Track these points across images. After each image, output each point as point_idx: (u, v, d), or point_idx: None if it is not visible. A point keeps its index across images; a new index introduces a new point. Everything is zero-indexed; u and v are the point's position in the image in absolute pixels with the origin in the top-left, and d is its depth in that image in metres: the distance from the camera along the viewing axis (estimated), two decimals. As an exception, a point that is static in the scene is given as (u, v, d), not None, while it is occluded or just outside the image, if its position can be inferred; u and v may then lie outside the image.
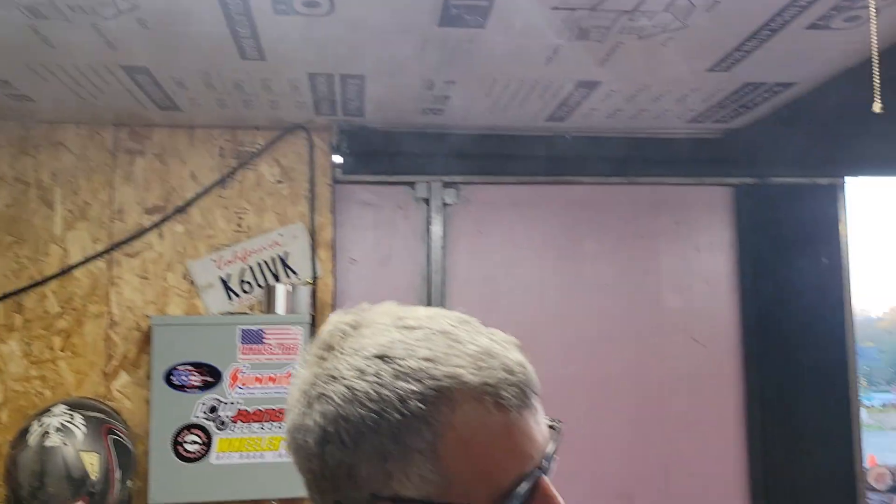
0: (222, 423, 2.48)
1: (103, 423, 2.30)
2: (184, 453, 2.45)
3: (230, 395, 2.48)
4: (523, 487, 0.70)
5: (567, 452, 2.72)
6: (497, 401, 0.68)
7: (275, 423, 2.49)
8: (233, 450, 2.48)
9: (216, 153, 2.68)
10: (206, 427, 2.46)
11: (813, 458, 2.92)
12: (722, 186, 3.02)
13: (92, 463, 2.20)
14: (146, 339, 2.57)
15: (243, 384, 2.49)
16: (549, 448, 0.75)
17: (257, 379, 2.50)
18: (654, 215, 2.99)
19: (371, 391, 0.67)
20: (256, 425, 2.49)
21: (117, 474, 2.26)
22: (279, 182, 2.71)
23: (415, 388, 0.67)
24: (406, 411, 0.66)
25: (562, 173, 2.92)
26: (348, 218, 2.86)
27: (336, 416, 0.68)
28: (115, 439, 2.29)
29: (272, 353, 2.51)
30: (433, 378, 0.67)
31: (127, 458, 2.32)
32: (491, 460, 0.68)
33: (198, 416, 2.47)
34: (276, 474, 2.48)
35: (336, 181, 2.80)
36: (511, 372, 0.70)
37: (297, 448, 0.72)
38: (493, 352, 0.71)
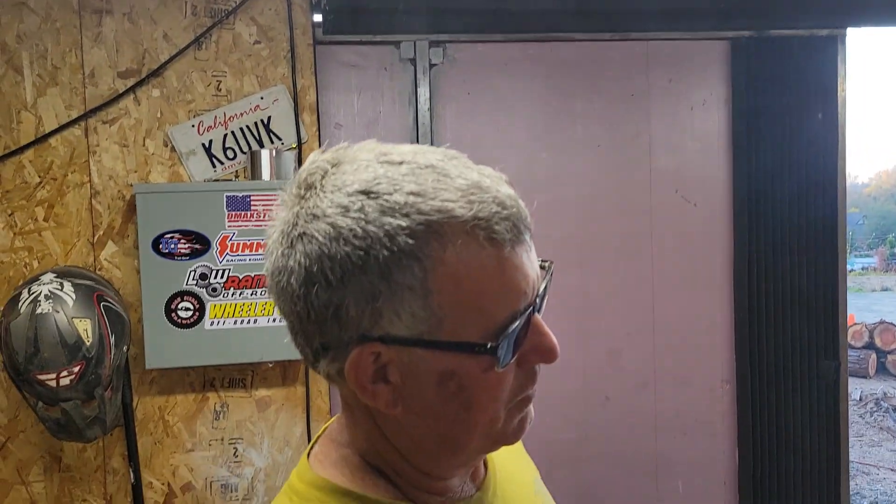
0: (214, 289, 2.48)
1: (93, 290, 2.29)
2: (177, 320, 2.47)
3: (220, 262, 2.47)
4: (517, 324, 0.68)
5: (558, 311, 2.78)
6: (489, 235, 0.66)
7: (266, 289, 2.50)
8: (226, 315, 2.50)
9: (188, 12, 2.55)
10: (198, 294, 2.47)
11: (798, 315, 2.97)
12: (717, 40, 2.91)
13: (85, 329, 2.21)
14: (131, 208, 2.53)
15: (233, 251, 2.48)
16: (541, 286, 0.73)
17: (246, 245, 2.48)
18: (647, 73, 2.90)
19: (356, 228, 0.64)
20: (248, 291, 2.49)
21: (112, 340, 2.28)
22: (257, 42, 2.59)
23: (402, 224, 0.64)
24: (394, 247, 0.64)
25: (552, 29, 2.80)
26: (332, 80, 2.76)
27: (320, 256, 0.66)
28: (106, 306, 2.29)
29: (260, 220, 2.48)
30: (421, 213, 0.65)
31: (120, 324, 2.34)
32: (483, 296, 0.66)
33: (188, 283, 2.47)
34: (269, 338, 2.51)
35: (317, 42, 2.68)
36: (503, 205, 0.68)
37: (280, 291, 0.70)
38: (484, 185, 0.68)
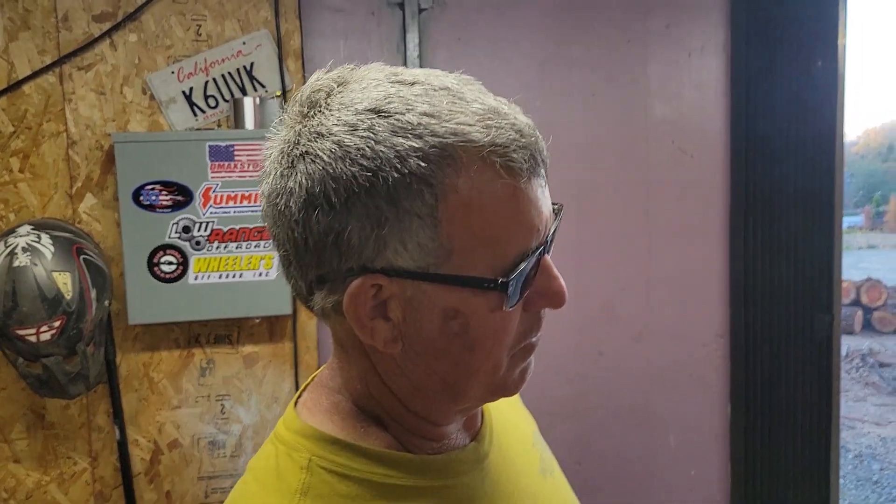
0: (197, 243, 2.40)
1: (72, 242, 2.21)
2: (160, 274, 2.40)
3: (203, 214, 2.39)
4: (529, 262, 0.64)
5: (555, 262, 2.67)
6: (507, 163, 0.62)
7: (252, 242, 2.43)
8: (210, 269, 2.43)
9: (166, -49, 2.42)
10: (181, 247, 2.39)
11: (794, 270, 2.94)
12: (717, -15, 2.82)
13: (65, 283, 2.14)
14: (109, 159, 2.44)
15: (216, 203, 2.39)
16: (552, 228, 0.69)
17: (230, 197, 2.40)
18: (645, 18, 2.81)
19: (365, 147, 0.60)
20: (233, 245, 2.42)
21: (92, 294, 2.21)
22: (239, -16, 2.47)
23: (415, 145, 0.60)
24: (405, 170, 0.60)
25: (546, -28, 2.70)
26: (317, 25, 2.65)
27: (324, 176, 0.61)
28: (86, 259, 2.21)
29: (244, 171, 2.40)
30: (435, 135, 0.60)
31: (101, 277, 2.26)
32: (496, 228, 0.62)
33: (171, 236, 2.39)
34: (255, 293, 2.44)
35: (302, -16, 2.57)
36: (521, 133, 0.64)
37: (277, 215, 0.65)
38: (502, 112, 0.64)
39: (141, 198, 2.36)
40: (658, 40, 2.81)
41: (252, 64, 2.50)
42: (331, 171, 0.61)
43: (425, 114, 0.61)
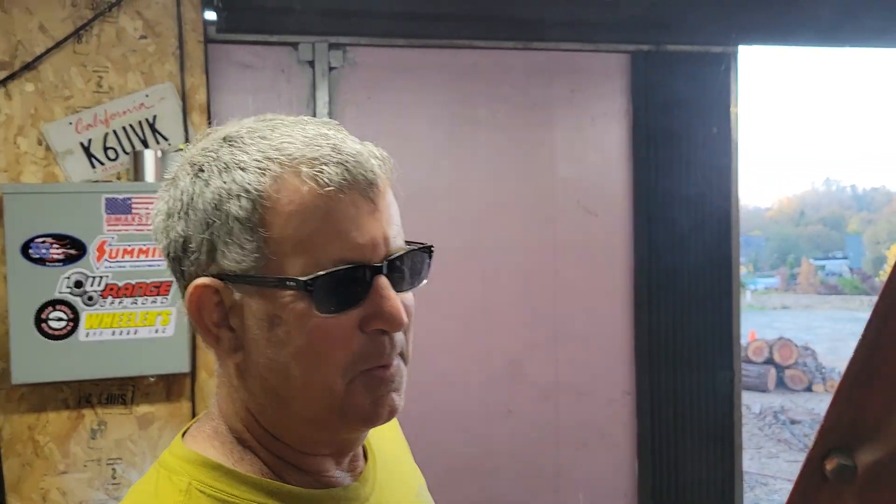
0: (90, 298, 2.31)
1: (-50, 298, 2.10)
2: (48, 331, 2.29)
3: (97, 268, 2.31)
4: (340, 269, 0.67)
5: (460, 320, 2.69)
6: (314, 174, 0.67)
7: (149, 298, 2.35)
8: (104, 326, 2.33)
9: (68, 3, 2.39)
10: (72, 303, 2.30)
11: (695, 327, 3.02)
12: (618, 53, 2.94)
13: (-61, 340, 2.01)
14: (0, 212, 2.34)
15: (112, 257, 2.32)
16: (396, 254, 0.70)
17: (127, 251, 2.33)
18: (549, 83, 2.90)
19: (205, 162, 0.69)
20: (129, 300, 2.34)
21: (-30, 352, 2.09)
22: (143, 38, 2.45)
23: (240, 158, 0.67)
24: (227, 178, 0.67)
25: (455, 36, 2.77)
26: (225, 81, 2.64)
27: (180, 193, 0.70)
28: (-36, 315, 2.10)
29: (142, 224, 2.34)
30: (260, 150, 0.68)
31: (-19, 335, 2.15)
32: (306, 234, 0.66)
33: (62, 291, 2.29)
34: (152, 350, 2.35)
35: (210, 40, 2.57)
36: (338, 151, 0.68)
37: (154, 230, 0.73)
38: (331, 137, 0.70)
39: (30, 251, 2.26)
40: (563, 105, 2.91)
41: (155, 117, 2.46)
42: (180, 184, 0.70)
43: (262, 137, 0.69)
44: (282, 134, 0.69)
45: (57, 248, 2.28)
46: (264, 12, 2.58)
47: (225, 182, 0.67)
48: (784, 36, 3.08)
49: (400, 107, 2.79)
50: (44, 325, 2.28)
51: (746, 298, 26.59)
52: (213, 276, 0.68)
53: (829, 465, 0.99)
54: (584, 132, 2.94)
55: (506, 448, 2.88)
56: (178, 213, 0.69)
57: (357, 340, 0.69)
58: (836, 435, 1.00)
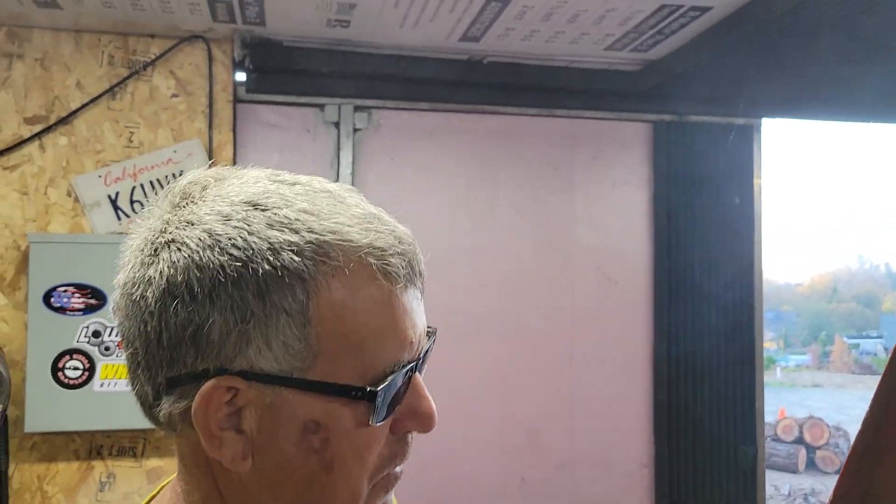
0: (107, 348, 2.33)
1: (-31, 343, 2.12)
2: (64, 379, 2.30)
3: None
4: (399, 375, 0.61)
5: (476, 386, 2.67)
6: (384, 266, 0.60)
7: (165, 350, 2.36)
8: (119, 377, 2.34)
9: (105, 61, 2.48)
10: (89, 352, 2.32)
11: (717, 400, 2.95)
12: (640, 122, 2.97)
13: (-45, 385, 2.03)
14: (25, 259, 2.39)
15: (131, 308, 2.34)
16: (426, 346, 0.66)
17: (146, 303, 2.35)
18: (571, 149, 2.93)
19: (237, 237, 0.57)
20: (145, 352, 2.35)
21: (-15, 398, 2.10)
22: (175, 96, 2.53)
23: (291, 239, 0.57)
24: (277, 262, 0.56)
25: (478, 102, 2.82)
26: (251, 139, 2.70)
27: (188, 265, 0.57)
28: (-18, 360, 2.12)
29: (162, 276, 2.36)
30: (313, 231, 0.58)
31: (-3, 381, 2.16)
32: (367, 333, 0.59)
33: (80, 340, 2.32)
34: (164, 403, 2.35)
35: (239, 100, 2.64)
36: (400, 240, 0.62)
37: (130, 307, 0.60)
38: (382, 218, 0.63)
39: (52, 299, 2.30)
40: (583, 170, 2.92)
41: (181, 172, 2.50)
42: (197, 259, 0.57)
43: (304, 210, 0.59)
44: (328, 210, 0.60)
45: (78, 298, 2.31)
46: (293, 74, 2.66)
47: (273, 266, 0.57)
48: (810, 109, 3.09)
49: (421, 168, 2.82)
50: (60, 373, 2.30)
51: (776, 375, 26.01)
52: (237, 373, 0.58)
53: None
54: (605, 199, 2.95)
55: (519, 518, 2.80)
56: (191, 294, 0.57)
57: (388, 443, 0.63)
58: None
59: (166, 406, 0.60)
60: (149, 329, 0.59)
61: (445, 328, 2.91)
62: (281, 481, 0.61)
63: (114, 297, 0.63)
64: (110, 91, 2.47)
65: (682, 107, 2.93)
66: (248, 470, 0.60)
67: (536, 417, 2.85)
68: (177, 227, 0.59)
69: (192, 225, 0.59)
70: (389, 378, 0.59)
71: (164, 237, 0.59)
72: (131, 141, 2.50)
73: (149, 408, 0.62)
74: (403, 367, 0.61)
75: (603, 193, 2.94)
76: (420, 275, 0.64)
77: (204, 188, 0.62)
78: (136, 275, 0.60)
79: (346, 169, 2.74)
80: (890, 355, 0.88)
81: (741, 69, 2.58)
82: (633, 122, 2.96)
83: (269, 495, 0.61)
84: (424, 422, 0.64)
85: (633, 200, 2.97)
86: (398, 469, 0.66)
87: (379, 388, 0.58)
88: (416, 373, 0.64)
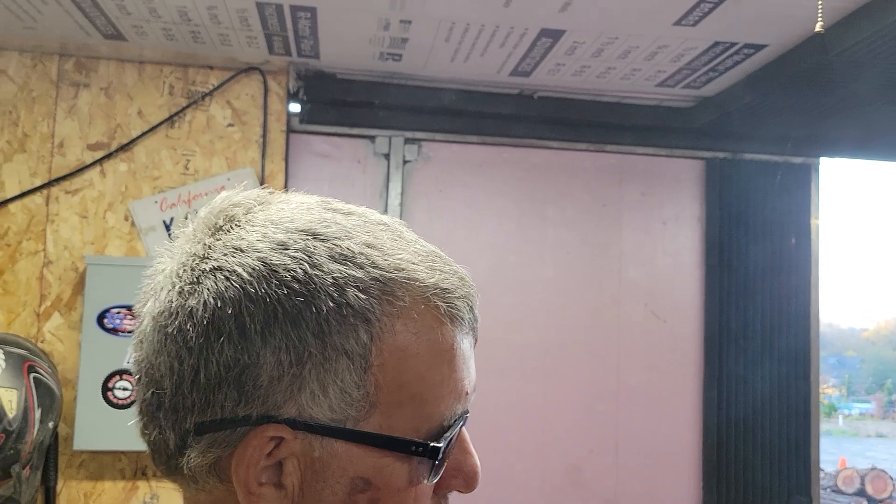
0: (155, 370, 2.37)
1: (25, 359, 2.19)
2: (113, 399, 2.35)
3: (165, 341, 2.38)
4: (455, 430, 0.56)
5: (520, 421, 2.64)
6: (450, 310, 0.55)
7: (211, 374, 2.39)
8: (165, 399, 2.38)
9: (166, 91, 2.57)
10: (138, 373, 2.36)
11: (770, 447, 2.84)
12: (692, 159, 2.93)
13: (10, 400, 2.09)
14: (82, 281, 2.46)
15: (179, 331, 2.39)
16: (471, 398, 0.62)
17: (195, 327, 2.40)
18: (620, 185, 2.90)
19: (297, 269, 0.52)
20: (192, 375, 2.39)
21: (37, 414, 2.16)
22: (230, 125, 2.60)
23: (356, 274, 0.52)
24: (342, 300, 0.51)
25: (527, 136, 2.82)
26: (302, 168, 2.75)
27: (239, 296, 0.51)
28: (36, 377, 2.18)
29: (211, 301, 2.41)
30: (378, 267, 0.53)
31: (49, 398, 2.22)
32: (428, 383, 0.54)
33: (129, 361, 2.36)
34: (208, 426, 2.38)
35: (292, 130, 2.70)
36: (464, 282, 0.58)
37: (163, 340, 0.54)
38: (443, 256, 0.58)
39: (105, 320, 2.36)
40: (633, 206, 2.89)
41: (234, 200, 2.57)
42: (253, 291, 0.51)
43: (367, 244, 0.54)
44: (390, 245, 0.56)
45: (130, 319, 2.36)
46: (345, 106, 2.70)
47: (337, 304, 0.51)
48: (870, 149, 3.00)
49: (470, 201, 2.83)
50: (110, 393, 2.35)
51: (838, 424, 25.04)
52: (284, 421, 0.52)
53: None
54: (655, 236, 2.91)
55: (560, 560, 2.74)
56: (241, 330, 0.51)
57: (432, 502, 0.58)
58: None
59: (193, 457, 0.53)
60: (185, 367, 0.53)
61: (491, 363, 2.89)
62: None
63: (138, 328, 0.57)
64: (169, 119, 2.55)
65: (737, 145, 2.88)
66: None
67: (580, 454, 2.79)
68: (223, 253, 0.54)
69: (242, 252, 0.53)
70: (449, 432, 0.55)
71: (206, 264, 0.54)
72: (187, 168, 2.57)
73: (167, 457, 0.56)
74: (458, 419, 0.57)
75: (653, 230, 2.90)
76: (477, 320, 0.60)
77: (248, 211, 0.58)
78: (173, 304, 0.54)
79: (394, 199, 2.76)
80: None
81: (798, 107, 2.53)
82: (685, 160, 2.92)
83: None
84: (469, 480, 0.59)
85: (684, 238, 2.92)
86: None
87: (440, 443, 0.54)
88: (464, 426, 0.60)
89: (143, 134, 2.54)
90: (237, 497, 0.53)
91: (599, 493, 2.78)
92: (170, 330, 0.53)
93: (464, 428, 0.59)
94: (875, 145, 2.98)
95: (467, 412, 0.59)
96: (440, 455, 0.54)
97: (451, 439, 0.56)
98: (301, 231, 0.54)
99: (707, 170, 2.92)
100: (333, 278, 0.52)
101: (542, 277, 2.83)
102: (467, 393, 0.58)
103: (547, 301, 2.82)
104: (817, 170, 2.96)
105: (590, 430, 2.79)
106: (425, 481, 0.54)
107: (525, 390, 2.76)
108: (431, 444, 0.53)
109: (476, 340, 0.60)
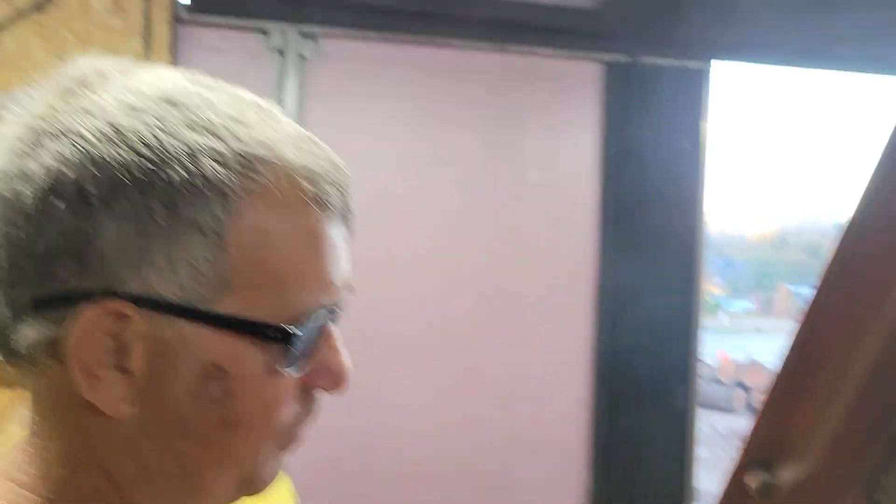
0: None
1: None
2: None
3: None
4: (320, 319, 0.54)
5: (419, 325, 2.64)
6: (318, 194, 0.52)
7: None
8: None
9: (33, -28, 2.34)
10: None
11: (656, 341, 3.00)
12: (593, 63, 2.92)
13: None
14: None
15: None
16: (344, 297, 0.58)
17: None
18: (523, 88, 2.88)
19: (148, 134, 0.48)
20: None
21: None
22: (109, 13, 2.40)
23: (214, 146, 0.49)
24: (196, 170, 0.48)
25: (430, 32, 2.74)
26: (192, 64, 2.59)
27: (83, 161, 0.47)
28: None
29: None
30: (240, 140, 0.50)
31: None
32: (291, 267, 0.52)
33: None
34: None
35: (179, 20, 2.52)
36: (337, 168, 0.55)
37: None
38: (318, 142, 0.55)
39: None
40: (535, 110, 2.88)
41: (116, 95, 2.41)
42: (96, 154, 0.47)
43: (230, 117, 0.51)
44: (257, 120, 0.52)
45: None
46: (237, -4, 2.55)
47: (189, 173, 0.48)
48: (760, 53, 3.08)
49: (370, 103, 2.75)
50: None
51: (724, 322, 26.77)
52: (127, 297, 0.48)
53: (753, 483, 0.97)
54: (556, 139, 2.92)
55: (459, 454, 2.85)
56: (82, 196, 0.47)
57: (296, 401, 0.55)
58: (759, 451, 0.97)
59: (29, 332, 0.49)
60: (20, 234, 0.48)
61: (391, 267, 2.88)
62: (169, 435, 0.51)
63: None
64: (37, 4, 2.34)
65: (635, 47, 2.89)
66: (130, 418, 0.51)
67: (477, 355, 2.87)
68: (70, 115, 0.49)
69: (90, 114, 0.49)
70: (311, 321, 0.53)
71: (50, 125, 0.49)
72: (62, 59, 2.37)
73: (4, 337, 0.51)
74: (323, 311, 0.54)
75: (554, 135, 2.91)
76: (351, 212, 0.57)
77: (105, 77, 0.53)
78: (10, 167, 0.49)
79: (291, 101, 2.65)
80: (809, 301, 0.89)
81: (693, 10, 2.55)
82: (587, 63, 2.91)
83: (152, 450, 0.52)
84: (337, 378, 0.56)
85: (585, 142, 2.94)
86: (301, 429, 0.58)
87: (299, 329, 0.51)
88: (332, 323, 0.57)
89: (9, 19, 2.32)
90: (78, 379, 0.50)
91: (496, 391, 2.88)
92: (6, 195, 0.49)
93: (335, 326, 0.57)
94: (766, 49, 3.05)
95: (337, 307, 0.56)
96: (299, 343, 0.52)
97: (313, 330, 0.53)
98: (158, 98, 0.50)
99: (607, 73, 2.93)
100: (189, 147, 0.48)
101: (443, 183, 2.82)
102: (335, 285, 0.55)
103: (448, 206, 2.81)
104: (708, 74, 3.02)
105: (487, 333, 2.86)
106: (287, 369, 0.52)
107: (425, 294, 2.79)
108: (288, 329, 0.51)
109: (351, 234, 0.57)
